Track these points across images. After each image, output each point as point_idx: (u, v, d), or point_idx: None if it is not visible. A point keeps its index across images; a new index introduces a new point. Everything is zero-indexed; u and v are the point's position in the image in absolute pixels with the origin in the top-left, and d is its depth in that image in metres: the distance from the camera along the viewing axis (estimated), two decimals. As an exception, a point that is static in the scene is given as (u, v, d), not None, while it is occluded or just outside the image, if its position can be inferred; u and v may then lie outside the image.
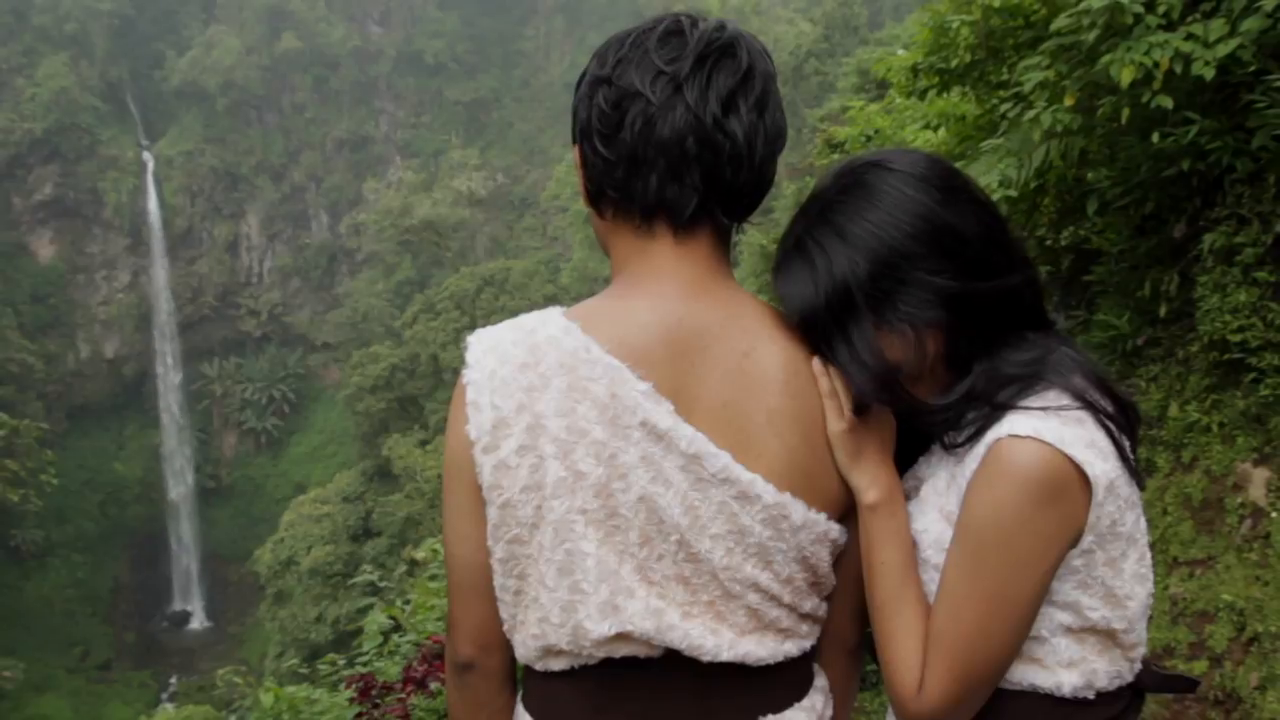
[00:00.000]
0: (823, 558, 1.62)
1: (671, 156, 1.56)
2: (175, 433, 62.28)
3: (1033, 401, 1.55)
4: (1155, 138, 4.78)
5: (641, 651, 1.57)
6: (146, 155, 65.98)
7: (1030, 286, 1.64)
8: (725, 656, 1.56)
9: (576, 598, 1.55)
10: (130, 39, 68.09)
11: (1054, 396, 1.55)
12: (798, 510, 1.57)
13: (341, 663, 5.61)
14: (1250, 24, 4.23)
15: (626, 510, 1.54)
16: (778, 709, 1.65)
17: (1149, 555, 1.61)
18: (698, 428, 1.54)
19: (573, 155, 1.68)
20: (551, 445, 1.54)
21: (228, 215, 67.46)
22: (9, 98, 61.50)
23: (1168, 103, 4.46)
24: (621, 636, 1.55)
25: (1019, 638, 1.55)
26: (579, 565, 1.54)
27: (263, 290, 68.08)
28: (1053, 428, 1.51)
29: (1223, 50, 4.28)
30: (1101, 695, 1.60)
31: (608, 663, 1.59)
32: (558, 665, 1.61)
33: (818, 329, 1.60)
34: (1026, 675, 1.59)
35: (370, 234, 64.73)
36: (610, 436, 1.53)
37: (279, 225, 68.80)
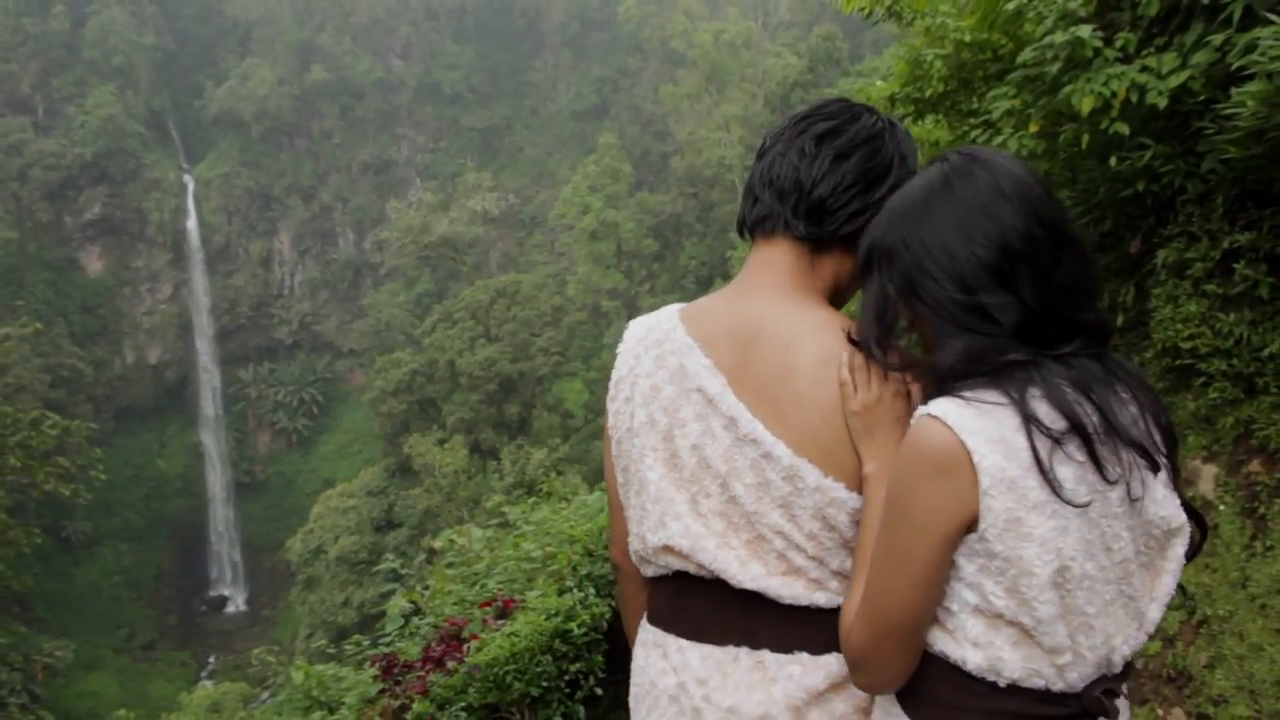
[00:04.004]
0: (842, 520, 1.74)
1: (758, 185, 1.92)
2: (214, 432, 62.31)
3: (966, 390, 1.55)
4: (1113, 161, 4.78)
5: (691, 568, 1.83)
6: (187, 177, 66.09)
7: (1004, 309, 1.57)
8: (748, 585, 1.76)
9: (644, 514, 1.88)
10: (172, 71, 68.24)
11: (986, 391, 1.55)
12: (812, 474, 1.72)
13: (366, 643, 5.59)
14: (1200, 57, 4.24)
15: (684, 453, 1.83)
16: (815, 651, 1.76)
17: (1096, 580, 1.54)
18: (741, 398, 1.79)
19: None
20: (640, 397, 1.90)
21: (262, 233, 67.52)
22: (61, 125, 61.60)
23: (1124, 129, 4.47)
24: (667, 548, 1.84)
25: (920, 597, 1.57)
26: (646, 489, 1.87)
27: (294, 301, 68.11)
28: (958, 412, 1.53)
29: (1175, 81, 4.29)
30: (1017, 688, 1.56)
31: (679, 575, 1.86)
32: (649, 572, 1.94)
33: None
34: (939, 641, 1.61)
35: (392, 250, 64.70)
36: (676, 396, 1.85)
37: (309, 242, 68.84)
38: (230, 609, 58.63)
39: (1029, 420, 1.50)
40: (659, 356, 1.88)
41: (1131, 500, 1.54)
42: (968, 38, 5.63)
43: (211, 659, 52.25)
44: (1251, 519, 4.24)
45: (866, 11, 6.88)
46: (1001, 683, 1.56)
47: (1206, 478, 4.50)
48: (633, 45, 68.63)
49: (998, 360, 1.56)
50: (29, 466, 19.21)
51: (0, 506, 19.35)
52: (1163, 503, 1.58)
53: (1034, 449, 1.49)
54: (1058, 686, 1.55)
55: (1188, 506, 1.63)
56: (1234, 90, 4.09)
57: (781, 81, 49.78)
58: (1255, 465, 4.35)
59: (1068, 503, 1.49)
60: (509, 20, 76.62)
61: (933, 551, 1.55)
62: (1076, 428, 1.50)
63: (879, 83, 7.60)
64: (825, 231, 1.86)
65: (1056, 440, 1.50)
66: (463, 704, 4.19)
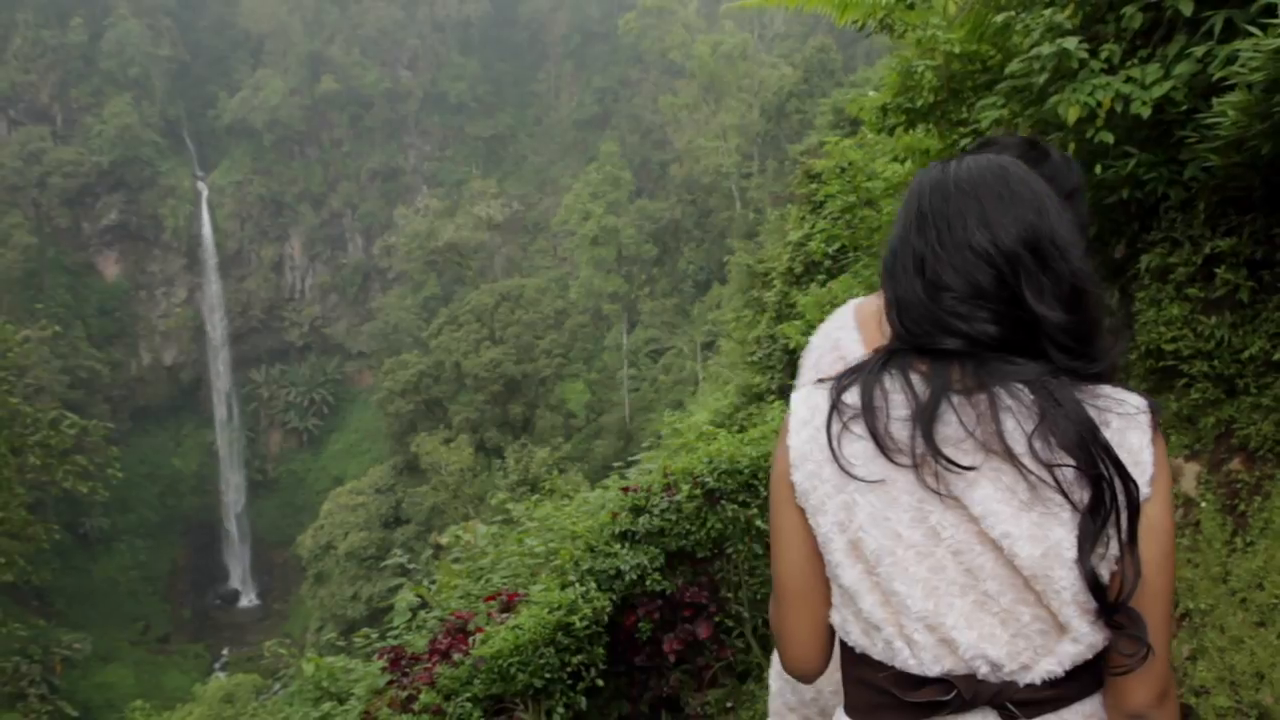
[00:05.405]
0: None
1: None
2: (227, 432, 62.37)
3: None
4: (1098, 169, 4.78)
5: None
6: (201, 185, 66.15)
7: (904, 305, 1.56)
8: None
9: None
10: (187, 81, 68.28)
11: (837, 378, 1.58)
12: None
13: (374, 636, 5.60)
14: (1182, 68, 4.24)
15: None
16: None
17: (901, 558, 1.49)
18: None
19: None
20: (811, 362, 2.39)
21: (273, 238, 67.55)
22: (79, 134, 61.66)
23: (1109, 138, 4.47)
24: None
25: (789, 559, 1.60)
26: None
27: (304, 305, 68.13)
28: (801, 393, 1.62)
29: (1158, 91, 4.29)
30: (867, 658, 1.54)
31: None
32: None
33: None
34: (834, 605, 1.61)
35: (400, 255, 64.80)
36: (832, 363, 2.23)
37: (319, 247, 68.87)
38: (243, 603, 58.66)
39: (834, 402, 1.53)
40: (827, 333, 2.36)
41: (937, 493, 1.46)
42: (957, 49, 5.63)
43: (225, 651, 52.26)
44: (1232, 515, 4.24)
45: (860, 24, 6.88)
46: (857, 649, 1.55)
47: (1189, 475, 4.50)
48: (633, 56, 68.62)
49: (891, 348, 1.58)
50: (48, 465, 19.23)
51: (21, 503, 19.34)
52: (1003, 519, 1.44)
53: (829, 427, 1.52)
54: (893, 662, 1.51)
55: (1093, 582, 1.43)
56: (1215, 100, 4.09)
57: (777, 91, 49.81)
58: (1236, 463, 4.35)
59: (855, 477, 1.50)
60: (513, 32, 76.64)
61: (779, 514, 1.60)
62: (865, 408, 1.50)
63: (871, 93, 7.60)
64: None
65: (847, 420, 1.52)
66: (468, 695, 4.19)
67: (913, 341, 1.53)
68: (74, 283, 59.88)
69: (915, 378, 1.50)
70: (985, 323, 1.48)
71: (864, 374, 1.54)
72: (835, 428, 1.51)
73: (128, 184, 62.10)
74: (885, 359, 1.55)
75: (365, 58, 70.55)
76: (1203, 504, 4.35)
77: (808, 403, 1.59)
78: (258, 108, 66.09)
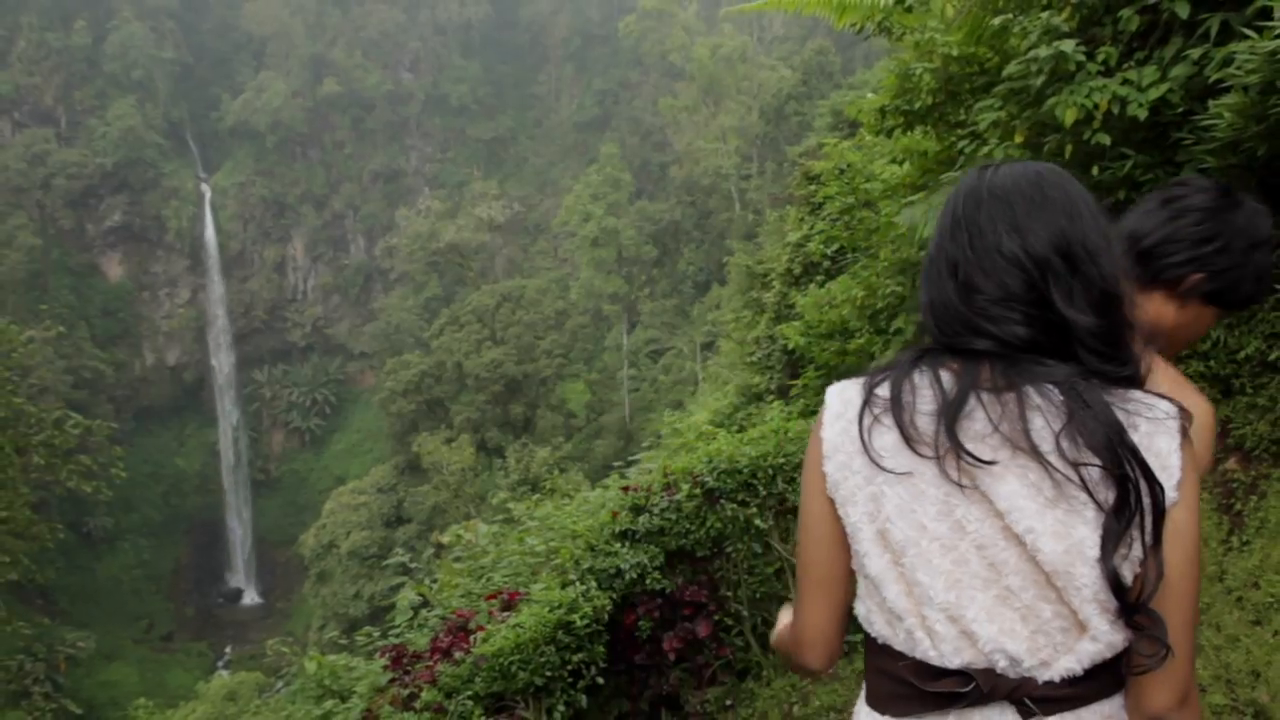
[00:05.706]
0: None
1: None
2: (229, 431, 62.36)
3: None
4: (1095, 171, 4.78)
5: None
6: (204, 186, 66.18)
7: (938, 307, 1.57)
8: None
9: None
10: (190, 83, 68.32)
11: (870, 374, 1.60)
12: None
13: (376, 635, 5.60)
14: (1178, 71, 4.25)
15: None
16: None
17: (925, 549, 1.50)
18: None
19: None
20: None
21: (276, 239, 67.56)
22: (83, 136, 61.67)
23: (1106, 140, 4.47)
24: None
25: (813, 550, 1.63)
26: None
27: (307, 305, 68.15)
28: (836, 388, 1.64)
29: (1154, 94, 4.29)
30: (889, 648, 1.56)
31: None
32: None
33: None
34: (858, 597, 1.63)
35: (402, 256, 64.81)
36: None
37: (321, 248, 68.87)
38: (245, 601, 58.67)
39: (868, 396, 1.55)
40: None
41: (960, 485, 1.48)
42: (955, 52, 5.63)
43: (227, 649, 52.29)
44: (1228, 515, 4.24)
45: (858, 27, 6.90)
46: (879, 640, 1.58)
47: (1185, 475, 4.50)
48: (633, 59, 68.62)
49: (924, 346, 1.60)
50: (52, 464, 19.20)
51: (25, 503, 19.30)
52: (1028, 515, 1.44)
53: (861, 419, 1.54)
54: (914, 653, 1.53)
55: (1120, 596, 1.44)
56: (1211, 103, 4.10)
57: (776, 94, 49.81)
58: (1232, 463, 4.35)
59: (883, 469, 1.52)
60: (514, 35, 76.68)
61: (809, 504, 1.63)
62: (893, 401, 1.52)
63: (870, 95, 7.60)
64: (1146, 273, 2.07)
65: (878, 414, 1.54)
66: (469, 693, 4.19)
67: (945, 342, 1.55)
68: (78, 283, 59.92)
69: (945, 375, 1.52)
70: (1015, 325, 1.50)
71: (896, 370, 1.56)
72: (867, 420, 1.54)
73: (131, 185, 62.13)
74: (918, 356, 1.57)
75: (367, 60, 70.59)
76: (1199, 503, 4.35)
77: (841, 396, 1.61)
78: (260, 110, 66.12)
